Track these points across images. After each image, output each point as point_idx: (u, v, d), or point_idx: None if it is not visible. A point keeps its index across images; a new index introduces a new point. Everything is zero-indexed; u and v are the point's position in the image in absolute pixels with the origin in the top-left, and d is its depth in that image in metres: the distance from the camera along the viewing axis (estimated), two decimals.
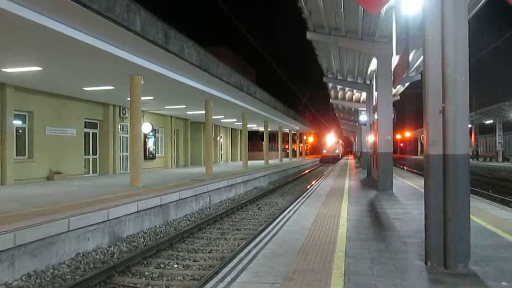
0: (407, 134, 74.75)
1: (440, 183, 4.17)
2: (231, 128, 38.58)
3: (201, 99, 17.68)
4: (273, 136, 45.82)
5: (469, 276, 3.96)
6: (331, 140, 58.66)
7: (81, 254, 7.02)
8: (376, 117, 13.41)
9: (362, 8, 9.76)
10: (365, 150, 23.08)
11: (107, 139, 18.92)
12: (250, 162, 27.20)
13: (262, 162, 31.99)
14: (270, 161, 33.21)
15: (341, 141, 65.21)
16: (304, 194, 11.93)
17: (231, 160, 38.79)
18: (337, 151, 57.69)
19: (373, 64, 14.98)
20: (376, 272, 4.15)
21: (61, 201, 8.80)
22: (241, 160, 32.21)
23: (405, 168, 34.94)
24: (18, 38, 8.54)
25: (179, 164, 27.45)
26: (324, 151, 57.82)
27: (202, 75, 13.80)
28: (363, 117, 20.51)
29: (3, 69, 11.11)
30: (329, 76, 19.28)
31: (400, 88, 22.21)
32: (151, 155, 23.01)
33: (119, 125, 19.79)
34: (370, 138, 17.44)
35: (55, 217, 6.79)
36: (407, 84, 20.78)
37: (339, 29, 12.11)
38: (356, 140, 44.69)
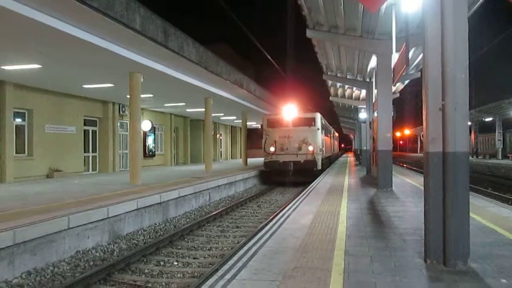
0: (407, 131, 74.78)
1: (440, 181, 4.17)
2: (231, 126, 38.56)
3: (200, 97, 17.68)
4: None
5: (469, 273, 3.96)
6: (290, 115, 19.47)
7: (81, 252, 7.03)
8: (375, 114, 13.41)
9: (362, 6, 9.74)
10: (365, 148, 23.08)
11: (107, 137, 18.92)
12: (250, 160, 27.17)
13: (262, 159, 31.90)
14: None
15: (323, 120, 21.67)
16: (304, 191, 11.93)
17: (231, 158, 38.78)
18: (310, 148, 18.89)
19: (373, 62, 14.96)
20: (376, 269, 4.15)
21: (60, 199, 8.80)
22: (241, 157, 32.18)
23: (404, 165, 34.95)
24: (18, 36, 8.51)
25: (178, 162, 27.45)
26: (272, 148, 19.55)
27: (201, 73, 13.79)
28: (362, 115, 20.53)
29: (2, 67, 11.09)
30: (328, 73, 19.24)
31: (399, 86, 22.19)
32: (150, 153, 23.01)
33: (118, 123, 19.78)
34: (370, 136, 17.43)
35: (55, 215, 6.80)
36: (406, 82, 20.77)
37: (338, 27, 12.08)
38: (356, 137, 44.52)
